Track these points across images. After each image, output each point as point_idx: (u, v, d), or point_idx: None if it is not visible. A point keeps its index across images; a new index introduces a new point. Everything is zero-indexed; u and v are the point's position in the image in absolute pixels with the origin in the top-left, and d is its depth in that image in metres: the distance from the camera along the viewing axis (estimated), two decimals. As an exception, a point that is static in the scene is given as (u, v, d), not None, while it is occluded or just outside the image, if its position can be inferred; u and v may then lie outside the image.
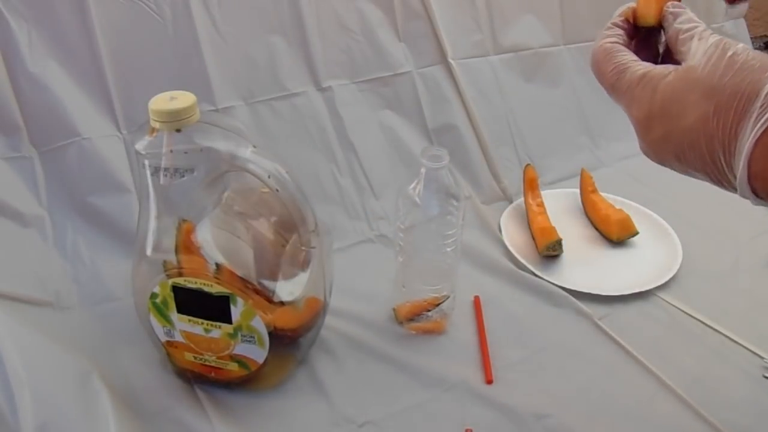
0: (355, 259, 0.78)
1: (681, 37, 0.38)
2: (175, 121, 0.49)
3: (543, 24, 0.99)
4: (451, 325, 0.68)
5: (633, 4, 0.44)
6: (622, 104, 0.40)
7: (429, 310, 0.66)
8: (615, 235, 0.82)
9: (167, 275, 0.53)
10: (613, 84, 0.40)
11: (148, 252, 0.53)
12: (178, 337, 0.56)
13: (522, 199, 0.88)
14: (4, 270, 0.64)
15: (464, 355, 0.65)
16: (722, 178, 0.35)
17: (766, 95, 0.32)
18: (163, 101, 0.49)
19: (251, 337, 0.55)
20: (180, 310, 0.55)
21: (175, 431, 0.55)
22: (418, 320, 0.67)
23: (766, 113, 0.32)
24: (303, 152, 0.83)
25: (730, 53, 0.35)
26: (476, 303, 0.71)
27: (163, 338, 0.57)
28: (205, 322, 0.55)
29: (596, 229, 0.85)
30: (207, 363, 0.58)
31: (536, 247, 0.80)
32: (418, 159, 0.60)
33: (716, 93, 0.34)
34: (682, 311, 0.71)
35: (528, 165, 0.90)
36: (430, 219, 0.61)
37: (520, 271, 0.76)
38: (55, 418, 0.50)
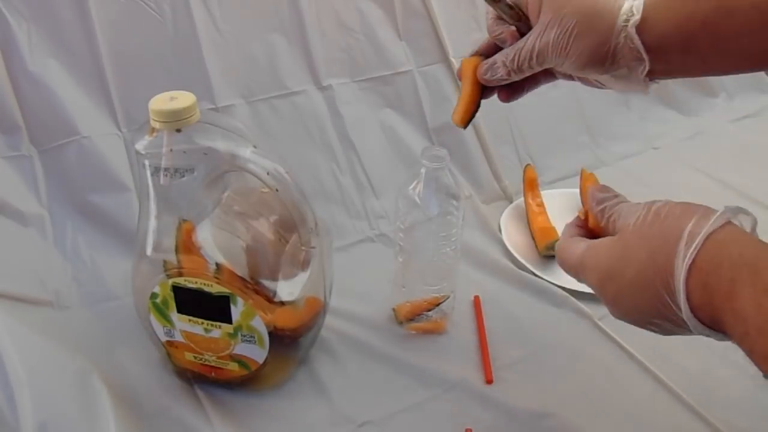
0: (356, 258, 0.78)
1: (607, 214, 0.43)
2: (175, 121, 0.49)
3: (542, 22, 0.99)
4: (451, 325, 0.68)
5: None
6: (585, 280, 0.44)
7: (429, 310, 0.66)
8: (615, 234, 0.82)
9: (167, 275, 0.53)
10: (575, 268, 0.44)
11: (149, 252, 0.53)
12: (178, 337, 0.56)
13: (522, 198, 0.87)
14: (4, 269, 0.64)
15: (464, 355, 0.65)
16: (678, 320, 0.37)
17: (688, 233, 0.35)
18: (163, 101, 0.49)
19: (251, 337, 0.55)
20: (180, 310, 0.55)
21: (175, 431, 0.55)
22: (418, 320, 0.67)
23: (690, 247, 0.35)
24: (303, 151, 0.83)
25: (654, 208, 0.38)
26: (476, 303, 0.71)
27: (163, 338, 0.57)
28: (205, 322, 0.55)
29: (596, 228, 0.85)
30: (207, 363, 0.58)
31: (536, 247, 0.79)
32: (418, 158, 0.60)
33: (647, 241, 0.38)
34: (682, 311, 0.71)
35: (528, 165, 0.90)
36: (430, 219, 0.61)
37: (520, 271, 0.76)
38: (55, 417, 0.50)
